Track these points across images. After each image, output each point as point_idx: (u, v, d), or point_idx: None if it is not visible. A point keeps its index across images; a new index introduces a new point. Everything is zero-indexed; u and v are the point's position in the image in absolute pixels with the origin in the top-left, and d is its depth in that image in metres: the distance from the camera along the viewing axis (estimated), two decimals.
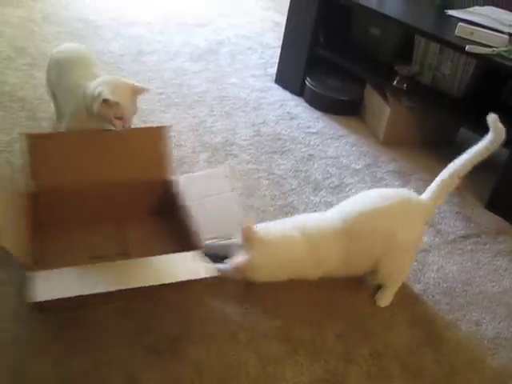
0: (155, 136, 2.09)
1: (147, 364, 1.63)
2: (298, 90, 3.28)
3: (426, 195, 1.98)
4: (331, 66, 3.18)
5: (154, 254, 1.77)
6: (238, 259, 1.77)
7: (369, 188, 2.57)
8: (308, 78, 3.23)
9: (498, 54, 2.46)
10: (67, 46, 2.44)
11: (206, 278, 1.72)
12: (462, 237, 2.40)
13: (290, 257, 1.86)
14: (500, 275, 2.23)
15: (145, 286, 1.64)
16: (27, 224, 1.84)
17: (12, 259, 1.65)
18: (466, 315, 2.00)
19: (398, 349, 1.82)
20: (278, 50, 3.40)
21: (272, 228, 1.89)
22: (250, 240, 1.80)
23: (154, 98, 2.99)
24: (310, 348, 1.77)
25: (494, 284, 2.17)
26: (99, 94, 1.99)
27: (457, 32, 2.62)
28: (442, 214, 2.51)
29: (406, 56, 2.99)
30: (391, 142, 2.95)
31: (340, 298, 1.97)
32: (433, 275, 2.16)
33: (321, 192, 2.51)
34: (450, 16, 2.90)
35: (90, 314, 1.75)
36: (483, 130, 2.68)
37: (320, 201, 2.45)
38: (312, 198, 2.46)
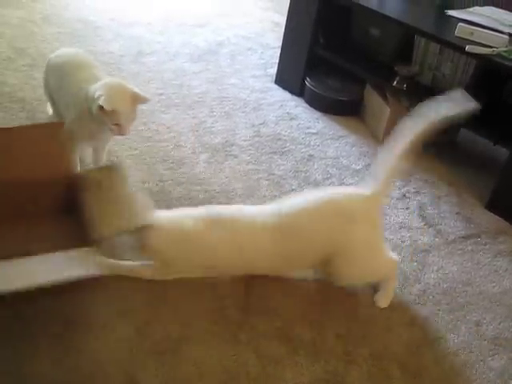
0: (55, 132, 2.03)
1: (147, 365, 1.63)
2: (298, 91, 3.28)
3: (372, 188, 1.91)
4: (331, 66, 3.18)
5: (55, 252, 1.77)
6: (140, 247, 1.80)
7: None
8: (308, 79, 3.23)
9: (498, 55, 2.46)
10: (65, 51, 2.44)
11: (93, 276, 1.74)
12: (462, 237, 2.40)
13: (189, 246, 1.85)
14: (500, 275, 2.23)
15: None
16: None
17: None
18: (466, 315, 2.00)
19: (397, 349, 1.82)
20: (278, 51, 3.40)
21: (176, 214, 1.90)
22: (149, 226, 1.81)
23: (154, 99, 2.99)
24: (309, 348, 1.77)
25: (494, 284, 2.17)
26: (97, 99, 1.99)
27: (457, 32, 2.62)
28: (442, 215, 2.51)
29: (406, 56, 2.99)
30: None
31: (340, 298, 1.97)
32: (433, 275, 2.16)
33: None
34: (449, 16, 2.90)
35: (90, 314, 1.75)
36: (483, 130, 2.69)
37: None
38: None
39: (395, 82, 2.90)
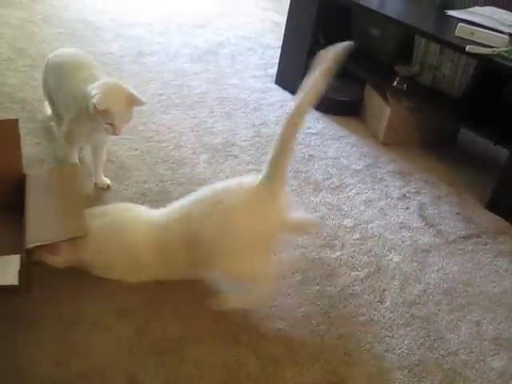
0: (5, 129, 2.00)
1: (148, 365, 1.63)
2: (298, 91, 3.27)
3: (262, 176, 1.79)
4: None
5: None
6: None
7: (369, 189, 2.58)
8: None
9: (499, 55, 2.46)
10: (64, 50, 2.44)
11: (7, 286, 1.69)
12: (463, 237, 2.40)
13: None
14: (501, 276, 2.22)
15: None
16: None
17: None
18: (466, 316, 2.00)
19: (398, 350, 1.82)
20: (278, 51, 3.40)
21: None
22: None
23: (154, 99, 2.99)
24: (310, 349, 1.77)
25: (494, 284, 2.17)
26: (92, 97, 1.99)
27: (457, 32, 2.62)
28: (443, 215, 2.51)
29: (406, 56, 2.99)
30: (391, 142, 2.95)
31: (340, 300, 1.97)
32: (433, 275, 2.16)
33: (321, 193, 2.51)
34: (450, 16, 2.90)
35: (90, 314, 1.75)
36: (483, 130, 2.70)
37: (320, 201, 2.45)
38: (312, 198, 2.46)
39: (395, 82, 2.90)
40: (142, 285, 1.85)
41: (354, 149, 2.89)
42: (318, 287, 2.01)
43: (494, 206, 2.57)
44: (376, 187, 2.61)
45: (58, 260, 1.83)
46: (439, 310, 2.00)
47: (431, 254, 2.27)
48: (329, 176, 2.63)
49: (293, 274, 2.04)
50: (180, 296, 1.85)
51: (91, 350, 1.65)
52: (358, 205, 2.48)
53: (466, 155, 3.06)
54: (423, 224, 2.43)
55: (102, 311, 1.77)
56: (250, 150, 2.72)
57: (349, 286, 2.03)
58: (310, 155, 2.76)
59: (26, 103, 2.72)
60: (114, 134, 2.07)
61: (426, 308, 2.00)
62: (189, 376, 1.62)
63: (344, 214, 2.40)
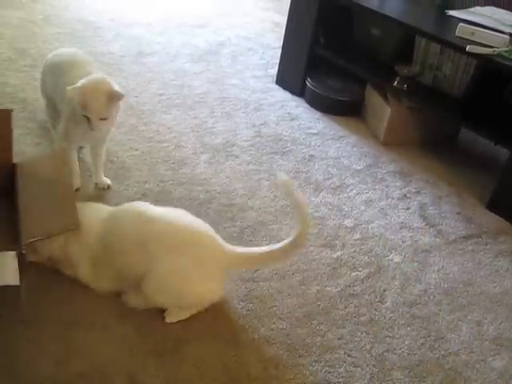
0: None
1: (148, 365, 1.63)
2: (299, 91, 3.27)
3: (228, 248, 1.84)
4: (332, 66, 3.18)
5: None
6: None
7: (370, 189, 2.58)
8: (309, 79, 3.23)
9: (499, 55, 2.46)
10: (63, 50, 2.45)
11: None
12: (463, 237, 2.40)
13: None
14: (501, 276, 2.22)
15: None
16: None
17: None
18: (467, 316, 2.00)
19: (399, 350, 1.82)
20: (279, 51, 3.40)
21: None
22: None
23: (155, 99, 2.99)
24: (311, 350, 1.77)
25: (495, 284, 2.17)
26: (80, 84, 2.02)
27: (457, 32, 2.62)
28: (443, 215, 2.51)
29: (407, 56, 2.99)
30: (392, 142, 2.95)
31: (340, 300, 1.97)
32: (434, 276, 2.16)
33: (322, 193, 2.51)
34: (450, 16, 2.90)
35: (90, 314, 1.75)
36: (484, 130, 2.70)
37: (321, 201, 2.45)
38: (313, 198, 2.46)
39: (396, 83, 2.90)
40: None
41: (354, 149, 2.89)
42: (318, 287, 2.01)
43: (494, 205, 2.57)
44: (376, 187, 2.61)
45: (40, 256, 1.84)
46: (440, 310, 2.00)
47: (432, 254, 2.26)
48: (329, 176, 2.63)
49: (293, 274, 2.04)
50: None
51: (91, 350, 1.65)
52: (358, 205, 2.48)
53: (466, 155, 3.06)
54: (424, 224, 2.43)
55: (102, 311, 1.77)
56: (251, 150, 2.72)
57: (349, 286, 2.03)
58: (311, 155, 2.76)
59: (27, 103, 2.72)
60: (91, 129, 2.06)
61: (426, 308, 2.00)
62: (189, 376, 1.62)
63: (344, 214, 2.40)
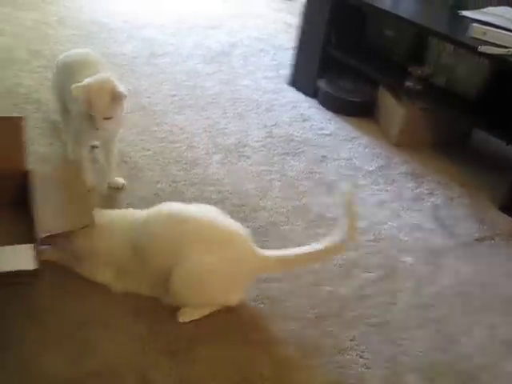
0: (11, 126, 2.05)
1: (160, 364, 1.63)
2: (311, 92, 3.27)
3: (266, 253, 1.84)
4: (344, 67, 3.17)
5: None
6: None
7: (382, 190, 2.57)
8: (321, 80, 3.22)
9: None
10: (74, 51, 2.46)
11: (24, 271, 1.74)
12: (476, 239, 2.38)
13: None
14: None
15: None
16: None
17: None
18: (480, 318, 1.99)
19: (411, 352, 1.81)
20: (291, 52, 3.40)
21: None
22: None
23: (167, 100, 3.00)
24: (323, 351, 1.76)
25: (508, 287, 2.16)
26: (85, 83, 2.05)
27: (470, 33, 2.60)
28: (456, 216, 2.49)
29: (420, 57, 2.98)
30: (404, 143, 2.94)
31: (353, 301, 1.96)
32: (447, 277, 2.15)
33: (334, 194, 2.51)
34: (463, 17, 2.89)
35: (103, 313, 1.76)
36: (496, 130, 2.68)
37: (333, 202, 2.44)
38: (325, 199, 2.46)
39: (409, 83, 2.89)
40: None
41: (366, 150, 2.88)
42: (330, 288, 2.00)
43: (507, 207, 2.55)
44: (389, 188, 2.60)
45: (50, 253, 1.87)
46: (453, 313, 1.99)
47: (445, 256, 2.25)
48: (342, 177, 2.63)
49: (305, 274, 2.04)
50: None
51: (104, 349, 1.66)
52: (371, 206, 2.47)
53: (478, 156, 3.05)
54: (436, 225, 2.42)
55: (115, 310, 1.78)
56: (262, 150, 2.72)
57: (362, 287, 2.03)
58: (323, 156, 2.76)
59: (41, 104, 2.74)
60: (96, 127, 2.09)
61: (439, 310, 1.99)
62: (201, 376, 1.62)
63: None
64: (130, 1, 4.28)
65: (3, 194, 2.04)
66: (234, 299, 1.81)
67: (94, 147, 2.41)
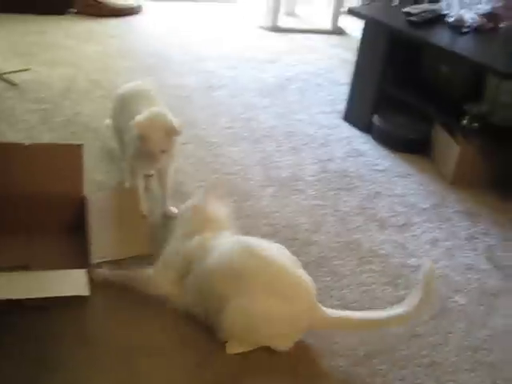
0: (70, 153, 2.13)
1: None
2: (366, 127, 3.27)
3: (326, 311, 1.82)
4: (400, 103, 3.17)
5: (52, 269, 1.82)
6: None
7: (436, 228, 2.54)
8: (376, 116, 3.22)
9: None
10: (132, 83, 2.55)
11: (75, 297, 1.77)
12: None
13: None
14: None
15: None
16: None
17: None
18: None
19: None
20: (347, 87, 3.41)
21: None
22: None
23: (223, 132, 3.04)
24: None
25: None
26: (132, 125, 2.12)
27: None
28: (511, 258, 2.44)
29: (476, 94, 2.95)
30: (460, 182, 2.90)
31: (403, 340, 1.93)
32: (500, 320, 2.09)
33: (387, 230, 2.49)
34: None
35: (154, 341, 1.78)
36: None
37: (386, 239, 2.42)
38: (377, 235, 2.44)
39: (465, 121, 2.85)
40: None
41: (421, 187, 2.85)
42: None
43: None
44: (443, 227, 2.57)
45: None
46: (506, 358, 1.93)
47: (498, 298, 2.20)
48: (395, 214, 2.61)
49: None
50: None
51: (152, 376, 1.68)
52: (423, 244, 2.44)
53: None
54: (491, 266, 2.37)
55: (165, 338, 1.80)
56: (316, 185, 2.73)
57: (412, 326, 1.99)
58: (377, 192, 2.74)
59: (99, 132, 2.82)
60: (154, 162, 2.16)
61: (492, 354, 1.94)
62: None
63: (409, 253, 2.37)
64: (189, 34, 4.38)
65: (60, 219, 2.11)
66: (282, 346, 1.80)
67: (147, 176, 2.46)
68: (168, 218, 2.31)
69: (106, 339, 1.78)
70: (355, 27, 4.15)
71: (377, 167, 2.96)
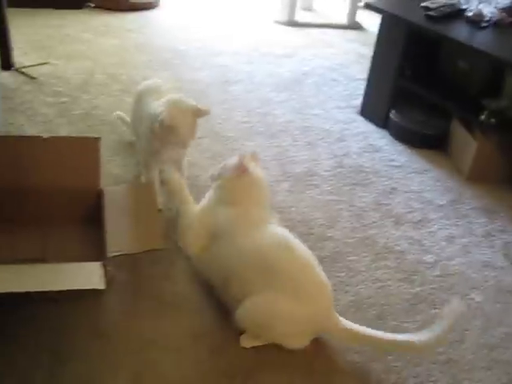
0: (87, 146, 2.13)
1: None
2: (383, 123, 3.25)
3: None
4: (417, 98, 3.15)
5: (68, 262, 1.81)
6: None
7: (453, 225, 2.52)
8: (393, 111, 3.20)
9: None
10: (149, 81, 2.59)
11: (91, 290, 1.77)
12: None
13: None
14: None
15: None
16: None
17: None
18: None
19: None
20: (363, 82, 3.39)
21: None
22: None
23: (239, 127, 3.04)
24: None
25: None
26: (159, 115, 2.11)
27: None
28: None
29: (495, 89, 2.92)
30: (477, 178, 2.88)
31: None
32: None
33: (402, 226, 2.47)
34: None
35: (169, 333, 1.79)
36: None
37: (401, 235, 2.41)
38: (393, 232, 2.43)
39: (483, 117, 2.83)
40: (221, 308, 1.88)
41: (437, 183, 2.84)
42: (395, 322, 1.97)
43: None
44: (459, 223, 2.55)
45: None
46: None
47: None
48: (411, 210, 2.59)
49: (370, 307, 2.02)
50: None
51: (165, 369, 1.68)
52: (439, 240, 2.42)
53: None
54: (508, 264, 2.35)
55: (179, 331, 1.81)
56: (331, 180, 2.72)
57: (428, 323, 1.98)
58: (393, 188, 2.73)
59: (116, 126, 2.82)
60: (182, 147, 2.17)
61: (508, 352, 1.93)
62: None
63: (425, 250, 2.36)
64: (206, 28, 4.38)
65: (76, 212, 2.13)
66: (294, 345, 1.79)
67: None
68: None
69: (120, 332, 1.79)
70: (372, 22, 4.12)
71: (393, 163, 2.95)
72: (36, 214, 2.08)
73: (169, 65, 3.65)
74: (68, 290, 1.76)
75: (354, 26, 4.88)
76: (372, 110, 3.32)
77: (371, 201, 2.61)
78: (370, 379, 1.75)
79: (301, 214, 2.44)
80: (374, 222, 2.47)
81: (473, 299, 2.13)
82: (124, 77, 3.38)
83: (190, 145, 2.28)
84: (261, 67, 3.85)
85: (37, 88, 3.14)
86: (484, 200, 2.75)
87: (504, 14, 3.03)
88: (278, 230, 1.88)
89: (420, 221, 2.53)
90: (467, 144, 2.90)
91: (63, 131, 2.75)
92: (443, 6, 3.09)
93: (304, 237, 2.27)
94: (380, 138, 3.17)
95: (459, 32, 3.01)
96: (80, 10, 4.28)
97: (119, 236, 1.92)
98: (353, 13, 4.87)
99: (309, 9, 5.14)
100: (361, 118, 3.35)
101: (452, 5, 3.12)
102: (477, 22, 3.01)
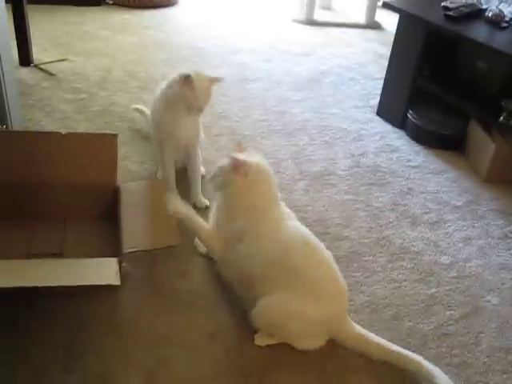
0: (105, 143, 2.14)
1: None
2: (400, 123, 3.24)
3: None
4: (434, 99, 3.13)
5: (84, 257, 1.82)
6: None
7: (469, 226, 2.51)
8: (410, 111, 3.19)
9: None
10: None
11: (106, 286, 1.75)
12: None
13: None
14: None
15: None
16: None
17: None
18: None
19: None
20: (381, 82, 3.38)
21: None
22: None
23: (256, 125, 3.04)
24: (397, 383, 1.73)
25: None
26: (178, 77, 2.20)
27: None
28: None
29: None
30: (495, 179, 2.86)
31: (433, 339, 1.92)
32: None
33: (419, 227, 2.46)
34: None
35: (185, 331, 1.79)
36: None
37: (417, 236, 2.40)
38: (409, 232, 2.42)
39: (502, 118, 2.82)
40: (237, 306, 1.88)
41: (454, 184, 2.82)
42: (410, 323, 1.96)
43: None
44: (476, 225, 2.54)
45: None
46: None
47: None
48: (427, 210, 2.58)
49: (385, 307, 2.01)
50: None
51: (180, 367, 1.69)
52: (456, 242, 2.41)
53: None
54: None
55: (195, 329, 1.82)
56: (348, 179, 2.71)
57: (443, 325, 1.98)
58: (409, 188, 2.72)
59: (134, 123, 2.84)
60: (198, 112, 2.23)
61: None
62: None
63: (441, 251, 2.35)
64: (224, 26, 4.39)
65: (93, 208, 2.14)
66: (306, 346, 1.79)
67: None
68: (198, 209, 2.32)
69: (134, 328, 1.80)
70: (391, 21, 4.11)
71: (410, 163, 2.94)
72: (53, 210, 2.10)
73: (187, 62, 3.66)
74: (83, 285, 1.77)
75: (373, 25, 4.86)
76: (389, 110, 3.31)
77: (388, 201, 2.61)
78: (384, 380, 1.74)
79: (317, 214, 2.44)
80: (391, 223, 2.46)
81: (489, 301, 2.12)
82: (142, 74, 3.40)
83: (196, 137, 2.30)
84: (279, 65, 3.85)
85: (55, 84, 3.17)
86: (501, 202, 2.73)
87: None
88: (298, 229, 1.88)
89: (436, 222, 2.52)
90: (485, 145, 2.88)
91: (81, 127, 2.78)
92: (463, 6, 3.07)
93: (320, 236, 2.26)
94: (397, 138, 3.15)
95: (479, 32, 2.98)
96: (99, 7, 4.32)
97: (135, 232, 1.93)
98: (371, 12, 4.86)
99: (328, 8, 5.14)
100: (378, 118, 3.34)
101: (472, 5, 3.11)
102: (497, 22, 2.99)
